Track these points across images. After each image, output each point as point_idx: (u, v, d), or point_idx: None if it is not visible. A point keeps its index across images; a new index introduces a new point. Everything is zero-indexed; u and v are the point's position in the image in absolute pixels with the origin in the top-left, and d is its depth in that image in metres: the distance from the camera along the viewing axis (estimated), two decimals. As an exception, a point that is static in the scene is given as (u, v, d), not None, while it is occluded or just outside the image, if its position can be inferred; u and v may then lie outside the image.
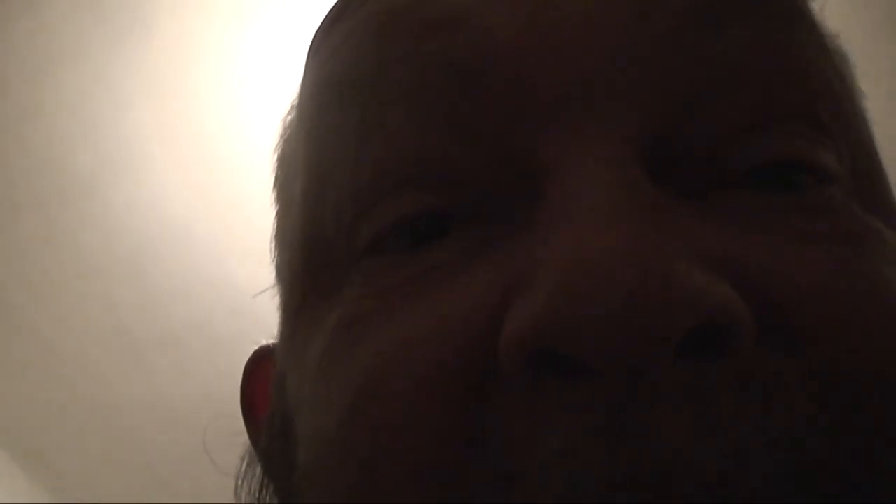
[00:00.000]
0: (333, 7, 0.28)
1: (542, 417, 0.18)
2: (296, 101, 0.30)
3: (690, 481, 0.17)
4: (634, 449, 0.17)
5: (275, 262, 0.31)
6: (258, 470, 0.30)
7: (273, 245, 0.31)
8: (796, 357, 0.19)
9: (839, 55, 0.27)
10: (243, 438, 0.32)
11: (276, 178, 0.31)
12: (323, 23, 0.28)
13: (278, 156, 0.31)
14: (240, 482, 0.30)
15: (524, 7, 0.23)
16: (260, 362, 0.33)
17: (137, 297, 1.51)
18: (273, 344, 0.31)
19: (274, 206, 0.31)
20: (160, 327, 1.54)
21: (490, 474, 0.19)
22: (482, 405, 0.19)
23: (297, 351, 0.26)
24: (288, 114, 0.31)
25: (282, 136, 0.31)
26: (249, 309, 1.39)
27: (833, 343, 0.19)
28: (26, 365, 1.58)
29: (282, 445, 0.26)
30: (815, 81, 0.24)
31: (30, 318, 1.52)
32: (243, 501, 0.30)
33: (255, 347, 0.34)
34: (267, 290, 0.32)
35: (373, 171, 0.24)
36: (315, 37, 0.28)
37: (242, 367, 0.34)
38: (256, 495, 0.30)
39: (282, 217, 0.30)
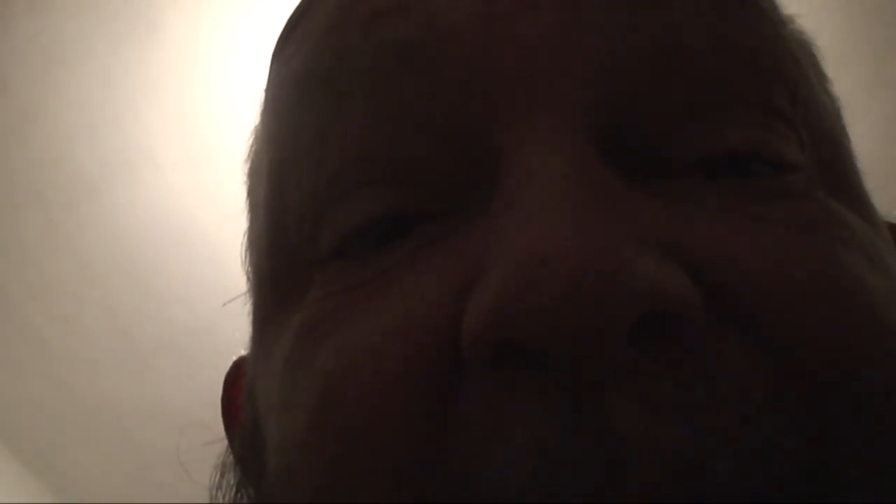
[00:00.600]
0: (293, 14, 0.28)
1: (506, 408, 0.18)
2: (260, 111, 0.30)
3: (649, 465, 0.17)
4: (590, 434, 0.17)
5: (245, 271, 0.31)
6: (233, 479, 0.30)
7: (245, 250, 0.31)
8: (746, 337, 0.19)
9: (798, 41, 0.27)
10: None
11: (247, 189, 0.31)
12: (283, 30, 0.29)
13: (248, 167, 0.31)
14: (214, 492, 0.30)
15: None
16: (239, 372, 0.33)
17: (137, 300, 1.51)
18: (246, 354, 0.31)
19: (246, 216, 0.31)
20: (160, 330, 1.54)
21: (456, 467, 0.19)
22: (446, 400, 0.19)
23: (264, 357, 0.26)
24: (255, 124, 0.31)
25: (249, 147, 0.32)
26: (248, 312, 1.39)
27: (782, 323, 0.19)
28: (25, 365, 1.58)
29: (254, 452, 0.26)
30: (767, 66, 0.24)
31: (29, 318, 1.52)
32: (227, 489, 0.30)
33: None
34: (237, 298, 0.31)
35: (331, 172, 0.24)
36: (276, 45, 0.29)
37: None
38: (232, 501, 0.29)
39: (250, 226, 0.30)
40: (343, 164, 0.24)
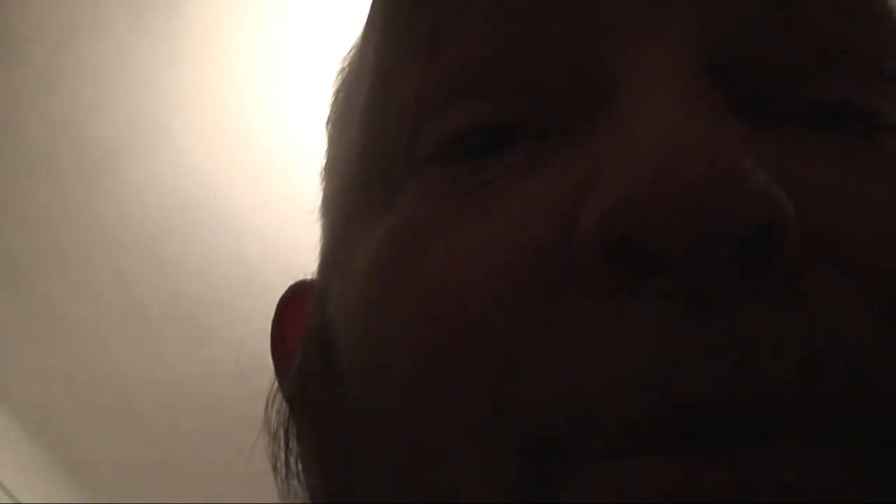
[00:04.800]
0: None
1: (620, 311, 0.18)
2: (365, 22, 0.30)
3: (774, 361, 0.18)
4: (713, 331, 0.18)
5: (322, 193, 0.31)
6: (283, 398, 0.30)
7: (321, 177, 0.31)
8: (836, 268, 0.19)
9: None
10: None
11: (332, 112, 0.31)
12: None
13: (335, 91, 0.32)
14: (270, 405, 0.30)
15: None
16: (295, 295, 0.33)
17: (151, 272, 1.52)
18: (310, 279, 0.31)
19: (327, 135, 0.31)
20: (173, 303, 1.55)
21: (566, 357, 0.19)
22: (559, 301, 0.19)
23: (345, 260, 0.26)
24: (350, 50, 0.31)
25: (341, 71, 0.32)
26: (264, 287, 1.39)
27: (879, 265, 0.20)
28: (37, 336, 1.58)
29: (320, 360, 0.26)
30: (882, 30, 0.24)
31: (42, 289, 1.53)
32: (272, 425, 0.30)
33: (269, 326, 0.34)
34: (312, 211, 0.32)
35: (442, 75, 0.24)
36: None
37: (255, 343, 0.34)
38: (285, 419, 0.30)
39: (336, 140, 0.30)
40: (453, 70, 0.24)
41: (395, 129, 0.25)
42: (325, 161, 0.31)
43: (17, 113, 1.33)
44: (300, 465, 0.29)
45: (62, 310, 1.55)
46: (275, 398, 0.30)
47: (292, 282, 0.33)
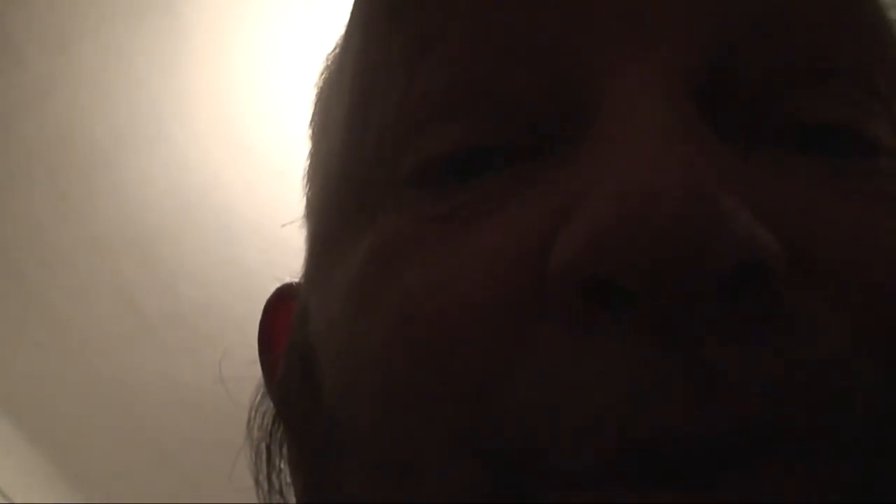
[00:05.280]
0: None
1: (589, 348, 0.18)
2: (346, 26, 0.29)
3: (740, 394, 0.17)
4: (679, 364, 0.18)
5: (306, 198, 0.31)
6: (270, 403, 0.30)
7: (305, 181, 0.31)
8: (824, 296, 0.19)
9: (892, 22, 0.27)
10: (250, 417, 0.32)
11: (314, 114, 0.31)
12: None
13: (318, 91, 0.31)
14: (253, 414, 0.30)
15: None
16: (283, 298, 0.33)
17: (148, 275, 1.51)
18: (297, 282, 0.31)
19: (309, 140, 0.31)
20: (170, 305, 1.55)
21: (534, 390, 0.19)
22: (527, 328, 0.19)
23: (324, 278, 0.26)
24: (333, 49, 0.31)
25: (324, 71, 0.31)
26: (260, 290, 1.39)
27: (866, 291, 0.20)
28: (36, 338, 1.58)
29: (301, 374, 0.26)
30: (873, 45, 0.24)
31: (40, 291, 1.53)
32: (255, 434, 0.30)
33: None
34: (295, 220, 0.32)
35: (421, 95, 0.23)
36: None
37: (252, 347, 0.34)
38: (269, 428, 0.30)
39: (317, 147, 0.30)
40: (431, 91, 0.23)
41: (374, 149, 0.24)
42: (308, 163, 0.31)
43: (15, 115, 1.33)
44: (283, 480, 0.29)
45: (59, 312, 1.55)
46: (257, 409, 0.30)
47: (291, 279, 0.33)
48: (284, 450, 0.29)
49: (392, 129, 0.24)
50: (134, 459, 1.73)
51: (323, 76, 0.31)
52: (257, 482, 0.30)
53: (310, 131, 0.31)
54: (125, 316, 1.56)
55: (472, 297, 0.20)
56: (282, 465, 0.29)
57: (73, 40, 1.27)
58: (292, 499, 0.29)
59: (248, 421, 0.30)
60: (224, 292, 1.52)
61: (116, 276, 1.51)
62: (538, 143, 0.22)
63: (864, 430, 0.18)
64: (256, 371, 0.33)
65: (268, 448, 0.29)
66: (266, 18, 1.25)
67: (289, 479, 0.29)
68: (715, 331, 0.18)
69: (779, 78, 0.22)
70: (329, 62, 0.31)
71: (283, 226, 0.35)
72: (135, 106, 1.33)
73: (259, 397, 0.31)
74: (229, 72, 1.30)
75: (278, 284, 0.33)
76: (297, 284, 0.30)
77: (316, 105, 0.31)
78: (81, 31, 1.26)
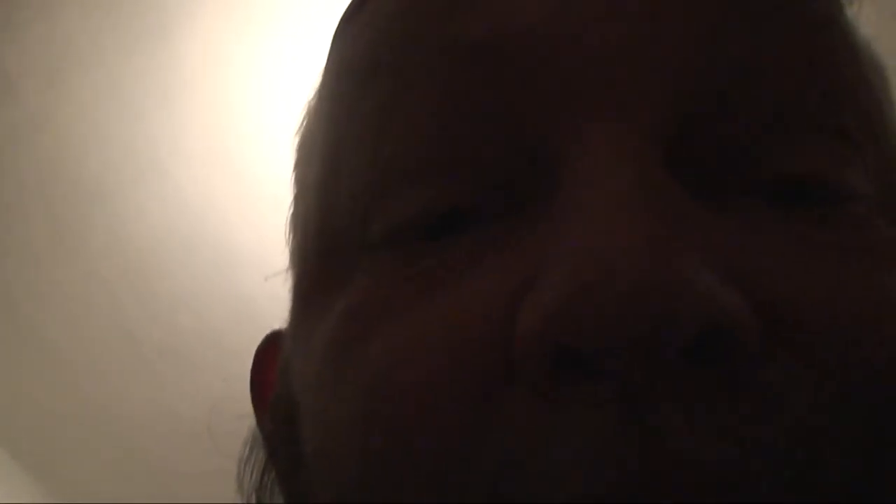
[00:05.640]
0: None
1: (555, 412, 0.18)
2: (317, 88, 0.29)
3: (696, 481, 0.17)
4: (640, 446, 0.18)
5: (289, 246, 0.31)
6: (261, 455, 0.30)
7: (288, 229, 0.31)
8: (797, 360, 0.19)
9: (871, 64, 0.26)
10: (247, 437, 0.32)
11: (296, 163, 0.31)
12: (350, 5, 0.28)
13: (298, 141, 0.31)
14: (243, 466, 0.30)
15: None
16: (271, 346, 0.33)
17: (143, 305, 1.51)
18: (283, 329, 0.31)
19: (292, 189, 0.31)
20: (166, 335, 1.54)
21: (500, 465, 0.19)
22: (496, 401, 0.19)
23: (304, 336, 0.26)
24: (311, 99, 0.31)
25: (303, 121, 0.31)
26: (256, 318, 1.39)
27: (841, 350, 0.19)
28: (32, 370, 1.58)
29: (286, 429, 0.26)
30: (843, 92, 0.24)
31: (36, 323, 1.52)
32: (245, 485, 0.30)
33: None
34: (278, 273, 0.32)
35: (389, 160, 0.23)
36: (339, 25, 0.28)
37: (248, 375, 0.34)
38: (259, 479, 0.30)
39: (298, 201, 0.30)
40: (400, 154, 0.23)
41: (346, 213, 0.24)
42: (290, 212, 0.31)
43: (10, 148, 1.33)
44: None
45: (54, 343, 1.55)
46: (248, 459, 0.30)
47: (286, 314, 0.33)
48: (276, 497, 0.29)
49: (361, 194, 0.24)
50: (131, 489, 1.72)
51: (302, 125, 0.31)
52: None
53: (292, 178, 0.31)
54: (120, 346, 1.55)
55: (437, 368, 0.20)
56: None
57: (67, 74, 1.27)
58: None
59: (238, 474, 0.30)
60: (219, 322, 1.51)
61: (111, 307, 1.51)
62: (507, 205, 0.22)
63: (833, 496, 0.18)
64: (249, 401, 0.33)
65: (259, 496, 0.30)
66: (260, 47, 1.26)
67: None
68: (676, 399, 0.18)
69: (749, 132, 0.22)
70: (307, 113, 0.31)
71: (267, 279, 0.35)
72: (129, 138, 1.33)
73: (248, 450, 0.31)
74: (223, 102, 1.31)
75: (276, 314, 0.33)
76: (283, 331, 0.31)
77: (297, 154, 0.31)
78: (75, 65, 1.27)
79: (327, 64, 0.28)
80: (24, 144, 1.33)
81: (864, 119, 0.24)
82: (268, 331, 0.34)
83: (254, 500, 0.30)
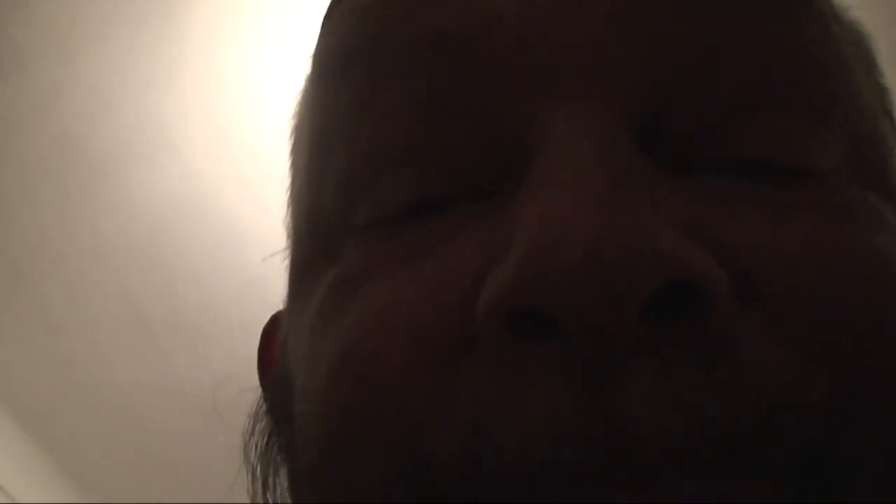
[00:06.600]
0: None
1: (515, 377, 0.19)
2: (306, 74, 0.30)
3: (656, 443, 0.18)
4: (601, 408, 0.18)
5: (286, 223, 0.32)
6: (265, 428, 0.31)
7: (286, 206, 0.32)
8: (770, 319, 0.19)
9: (848, 36, 0.26)
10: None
11: (291, 145, 0.32)
12: None
13: (293, 124, 0.32)
14: (248, 439, 0.31)
15: None
16: (276, 325, 0.34)
17: (152, 281, 1.52)
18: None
19: (288, 170, 0.32)
20: (174, 311, 1.55)
21: (462, 428, 0.19)
22: (459, 370, 0.20)
23: (298, 310, 0.27)
24: (303, 83, 0.31)
25: (296, 106, 0.32)
26: (263, 295, 1.39)
27: (809, 305, 0.19)
28: (40, 345, 1.59)
29: (284, 403, 0.27)
30: (811, 68, 0.24)
31: (44, 298, 1.53)
32: (252, 458, 0.31)
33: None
34: (276, 254, 0.32)
35: (368, 147, 0.24)
36: (327, 9, 0.29)
37: (255, 352, 0.34)
38: (263, 451, 0.30)
39: (292, 183, 0.31)
40: (377, 143, 0.24)
41: (331, 198, 0.25)
42: (287, 193, 0.32)
43: (19, 123, 1.34)
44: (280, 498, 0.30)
45: (62, 317, 1.55)
46: (253, 431, 0.31)
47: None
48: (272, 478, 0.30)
49: (344, 181, 0.25)
50: (134, 462, 1.73)
51: (295, 111, 0.32)
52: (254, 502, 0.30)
53: (289, 160, 0.32)
54: (128, 321, 1.56)
55: (406, 335, 0.21)
56: (277, 484, 0.30)
57: (76, 49, 1.27)
58: None
59: (244, 447, 0.31)
60: (226, 297, 1.52)
61: (121, 282, 1.52)
62: (483, 187, 0.23)
63: (800, 455, 0.18)
64: (256, 376, 0.34)
65: (264, 468, 0.30)
66: (269, 24, 1.26)
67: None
68: (636, 367, 0.18)
69: (718, 111, 0.22)
70: (299, 98, 0.32)
71: (264, 259, 0.36)
72: (139, 113, 1.33)
73: (252, 423, 0.32)
74: (232, 78, 1.31)
75: (282, 289, 0.34)
76: (284, 311, 0.31)
77: (291, 137, 0.32)
78: (85, 41, 1.27)
79: (314, 50, 0.29)
80: (34, 119, 1.34)
81: (835, 93, 0.24)
82: (275, 306, 0.34)
83: (258, 474, 0.30)
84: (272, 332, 0.34)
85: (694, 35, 0.23)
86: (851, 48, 0.26)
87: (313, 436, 0.23)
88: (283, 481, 0.29)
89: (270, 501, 0.30)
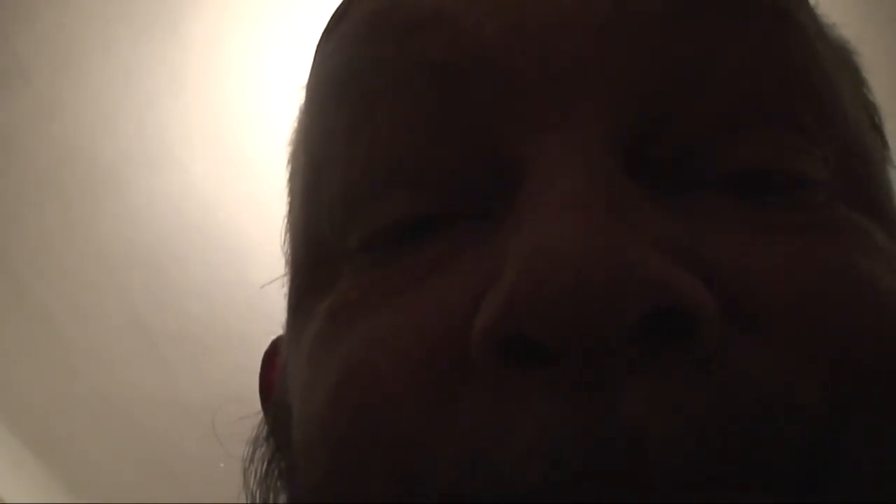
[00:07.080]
0: (337, 8, 0.29)
1: (510, 400, 0.19)
2: (301, 100, 0.31)
3: (655, 456, 0.18)
4: (595, 429, 0.18)
5: (284, 251, 0.32)
6: (266, 453, 0.31)
7: (284, 234, 0.32)
8: (757, 338, 0.19)
9: (834, 53, 0.27)
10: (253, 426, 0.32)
11: (288, 173, 0.32)
12: (329, 22, 0.29)
13: (290, 151, 0.32)
14: (247, 466, 0.31)
15: (502, 8, 0.24)
16: (276, 351, 0.34)
17: (154, 292, 1.52)
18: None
19: (287, 197, 0.32)
20: (175, 322, 1.55)
21: (460, 452, 0.19)
22: (456, 390, 0.20)
23: (296, 338, 0.27)
24: (298, 112, 0.32)
25: (292, 132, 0.32)
26: (265, 306, 1.39)
27: (799, 322, 0.20)
28: (42, 355, 1.59)
29: (285, 427, 0.27)
30: (796, 84, 0.24)
31: (47, 309, 1.53)
32: (251, 485, 0.31)
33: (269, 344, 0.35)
34: (275, 280, 0.32)
35: (361, 173, 0.25)
36: (320, 39, 0.29)
37: (257, 363, 0.35)
38: (263, 477, 0.31)
39: (289, 209, 0.31)
40: (371, 167, 0.24)
41: (326, 224, 0.26)
42: (286, 217, 0.32)
43: (22, 133, 1.34)
44: None
45: (66, 329, 1.55)
46: (252, 460, 0.31)
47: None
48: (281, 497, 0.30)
49: (337, 208, 0.25)
50: (136, 474, 1.73)
51: (292, 137, 0.32)
52: None
53: (287, 186, 0.32)
54: (130, 333, 1.56)
55: (402, 363, 0.21)
56: None
57: (78, 61, 1.28)
58: None
59: (244, 473, 0.31)
60: (227, 308, 1.52)
61: (123, 294, 1.52)
62: (476, 210, 0.23)
63: (798, 457, 0.19)
64: (256, 387, 0.34)
65: (263, 493, 0.31)
66: (271, 36, 1.26)
67: None
68: (628, 386, 0.18)
69: (704, 130, 0.23)
70: (295, 125, 0.32)
71: (262, 287, 0.36)
72: (141, 125, 1.34)
73: (252, 450, 0.32)
74: (234, 89, 1.31)
75: (284, 302, 0.34)
76: (283, 336, 0.32)
77: (289, 164, 0.32)
78: (87, 53, 1.27)
79: (309, 77, 0.29)
80: (36, 130, 1.34)
81: (820, 109, 0.24)
82: (277, 318, 0.34)
83: (258, 499, 0.31)
84: (273, 356, 0.34)
85: (680, 57, 0.23)
86: (837, 64, 0.26)
87: (311, 465, 0.23)
88: None
89: None
